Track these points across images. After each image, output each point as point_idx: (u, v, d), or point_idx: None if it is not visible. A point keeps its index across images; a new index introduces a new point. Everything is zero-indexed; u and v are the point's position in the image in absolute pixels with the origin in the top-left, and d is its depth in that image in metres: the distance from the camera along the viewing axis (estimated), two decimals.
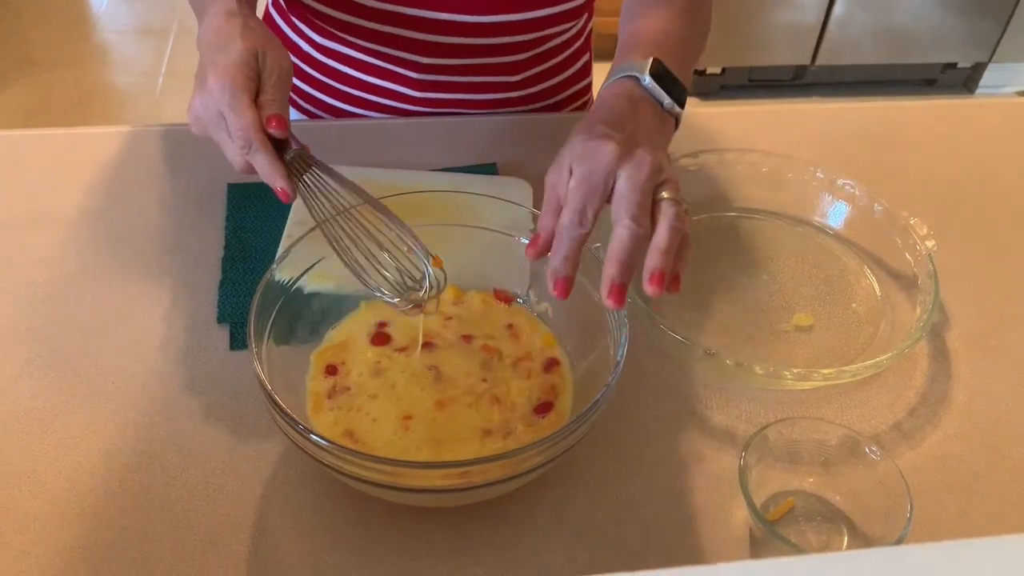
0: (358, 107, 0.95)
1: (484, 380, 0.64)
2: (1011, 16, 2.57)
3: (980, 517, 0.62)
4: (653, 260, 0.55)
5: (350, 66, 0.93)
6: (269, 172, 0.59)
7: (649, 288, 0.55)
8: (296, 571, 0.56)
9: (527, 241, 0.68)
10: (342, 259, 0.60)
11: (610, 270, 0.55)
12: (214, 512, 0.59)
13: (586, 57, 1.01)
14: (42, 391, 0.65)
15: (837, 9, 2.49)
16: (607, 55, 0.73)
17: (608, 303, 0.55)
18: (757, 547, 0.59)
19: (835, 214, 0.81)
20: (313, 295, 0.67)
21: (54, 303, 0.72)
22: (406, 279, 0.61)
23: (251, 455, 0.62)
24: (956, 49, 2.68)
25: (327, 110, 0.97)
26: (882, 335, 0.72)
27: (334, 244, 0.60)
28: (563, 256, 0.57)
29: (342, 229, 0.60)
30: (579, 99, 1.02)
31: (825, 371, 0.64)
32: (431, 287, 0.60)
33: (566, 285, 0.57)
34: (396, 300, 0.60)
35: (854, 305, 0.75)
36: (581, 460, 0.63)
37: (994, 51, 2.66)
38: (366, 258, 0.60)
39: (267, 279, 0.61)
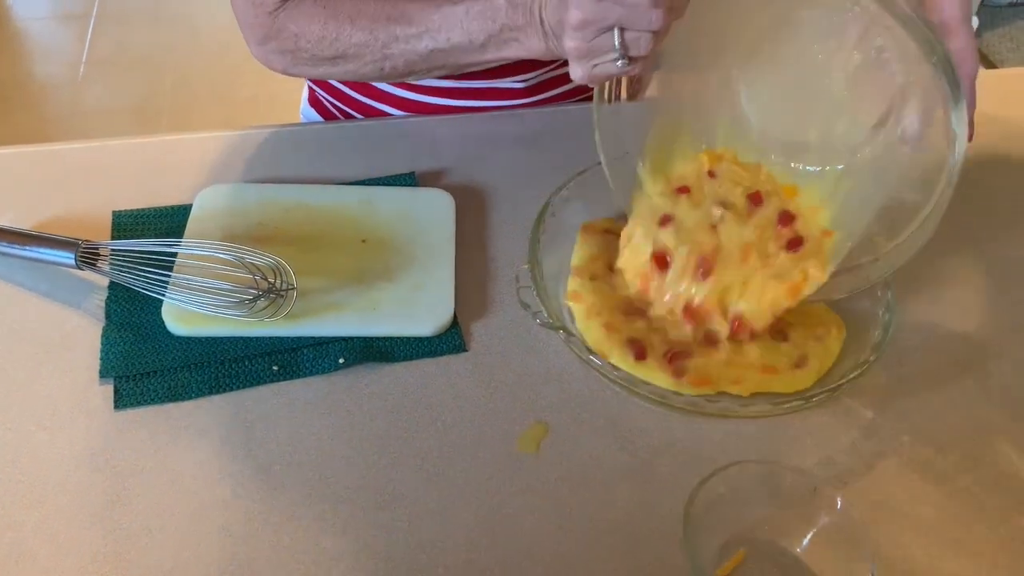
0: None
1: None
2: None
3: (943, 556, 0.57)
4: None
5: (448, 97, 0.89)
6: None
7: None
8: None
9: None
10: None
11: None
12: None
13: None
14: None
15: None
16: None
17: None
18: None
19: None
20: None
21: None
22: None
23: (138, 541, 0.55)
24: None
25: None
26: (838, 362, 0.66)
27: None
28: None
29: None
30: None
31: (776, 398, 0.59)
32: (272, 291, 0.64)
33: None
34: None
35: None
36: (514, 516, 0.57)
37: None
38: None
39: None
